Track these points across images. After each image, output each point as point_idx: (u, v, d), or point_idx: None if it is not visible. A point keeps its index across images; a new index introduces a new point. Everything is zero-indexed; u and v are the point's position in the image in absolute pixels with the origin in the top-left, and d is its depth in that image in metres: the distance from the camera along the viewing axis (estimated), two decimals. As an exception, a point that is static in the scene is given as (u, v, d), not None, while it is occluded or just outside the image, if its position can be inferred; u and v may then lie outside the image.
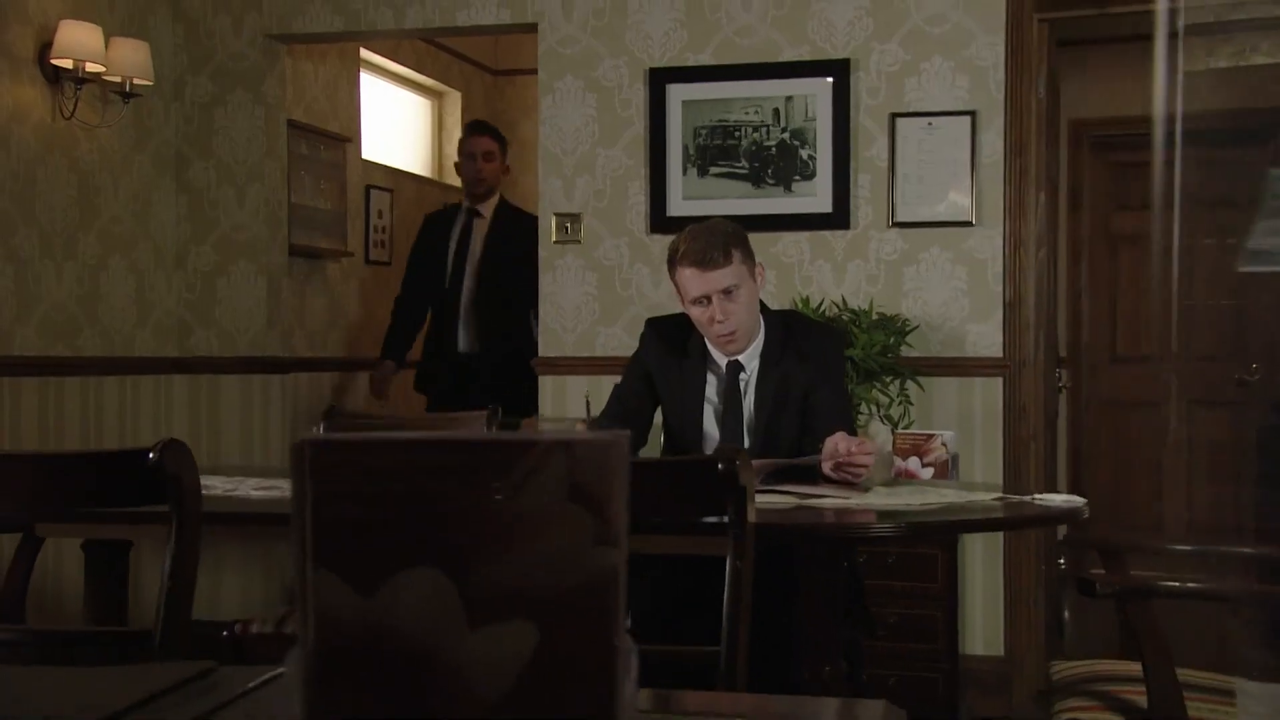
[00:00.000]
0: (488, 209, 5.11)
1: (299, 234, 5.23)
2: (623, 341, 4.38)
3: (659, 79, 4.33)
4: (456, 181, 7.07)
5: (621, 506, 0.82)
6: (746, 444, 2.84)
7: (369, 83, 6.23)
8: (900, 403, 3.95)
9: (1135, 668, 2.34)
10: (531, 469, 0.78)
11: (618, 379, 4.36)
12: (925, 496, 2.35)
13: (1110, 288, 6.55)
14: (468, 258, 5.02)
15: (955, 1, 4.10)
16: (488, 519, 0.79)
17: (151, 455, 2.08)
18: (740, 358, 2.85)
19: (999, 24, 4.07)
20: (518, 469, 0.78)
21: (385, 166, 6.36)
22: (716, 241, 2.76)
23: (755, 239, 2.94)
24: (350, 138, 5.85)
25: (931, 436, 3.72)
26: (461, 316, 5.02)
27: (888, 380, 4.00)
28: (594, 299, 4.42)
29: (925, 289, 4.12)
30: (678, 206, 4.31)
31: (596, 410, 3.30)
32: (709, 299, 2.75)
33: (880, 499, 2.34)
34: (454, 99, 7.12)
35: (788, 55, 4.23)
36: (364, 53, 6.07)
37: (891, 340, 3.96)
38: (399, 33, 4.86)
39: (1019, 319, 4.10)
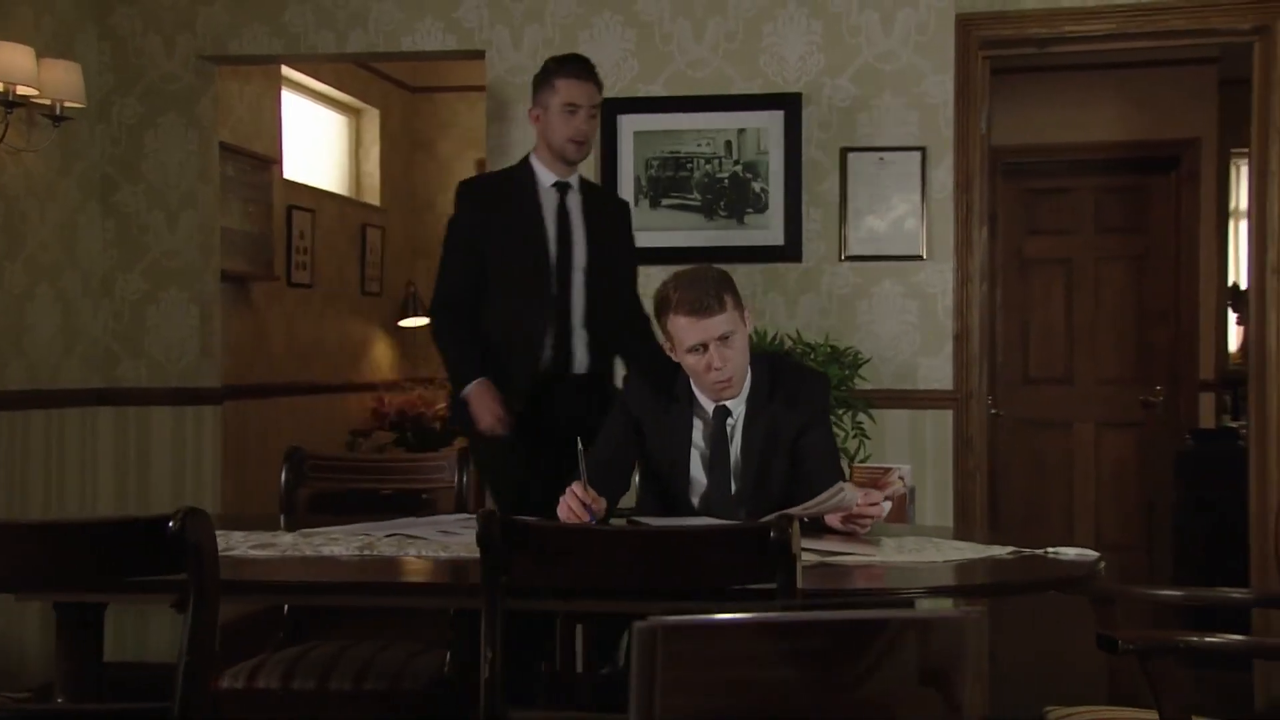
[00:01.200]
0: (575, 181, 3.68)
1: (226, 259, 5.08)
2: (574, 373, 4.34)
3: (611, 109, 4.30)
4: (376, 200, 6.98)
5: (974, 687, 0.80)
6: (734, 489, 2.85)
7: (288, 100, 6.09)
8: (856, 436, 4.00)
9: (1132, 714, 2.40)
10: (883, 651, 0.76)
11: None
12: (941, 551, 2.38)
13: (1022, 311, 6.73)
14: (573, 248, 3.59)
15: (905, 39, 4.17)
16: (836, 705, 0.76)
17: (172, 524, 2.00)
18: (728, 403, 2.85)
19: (948, 62, 4.15)
20: (869, 651, 0.76)
21: (306, 186, 6.22)
22: (709, 288, 2.76)
23: None
24: (275, 158, 5.71)
25: (889, 470, 3.78)
26: (575, 327, 3.58)
27: (841, 413, 4.04)
28: (544, 330, 4.37)
29: (877, 322, 4.18)
30: (630, 238, 4.29)
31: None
32: (705, 347, 2.75)
33: (896, 555, 2.36)
34: (372, 116, 7.00)
35: (740, 88, 4.26)
36: (285, 70, 5.93)
37: (845, 373, 4.01)
38: (341, 57, 4.76)
39: (966, 352, 4.19)
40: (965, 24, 4.22)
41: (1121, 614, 4.48)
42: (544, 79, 3.59)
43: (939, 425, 4.15)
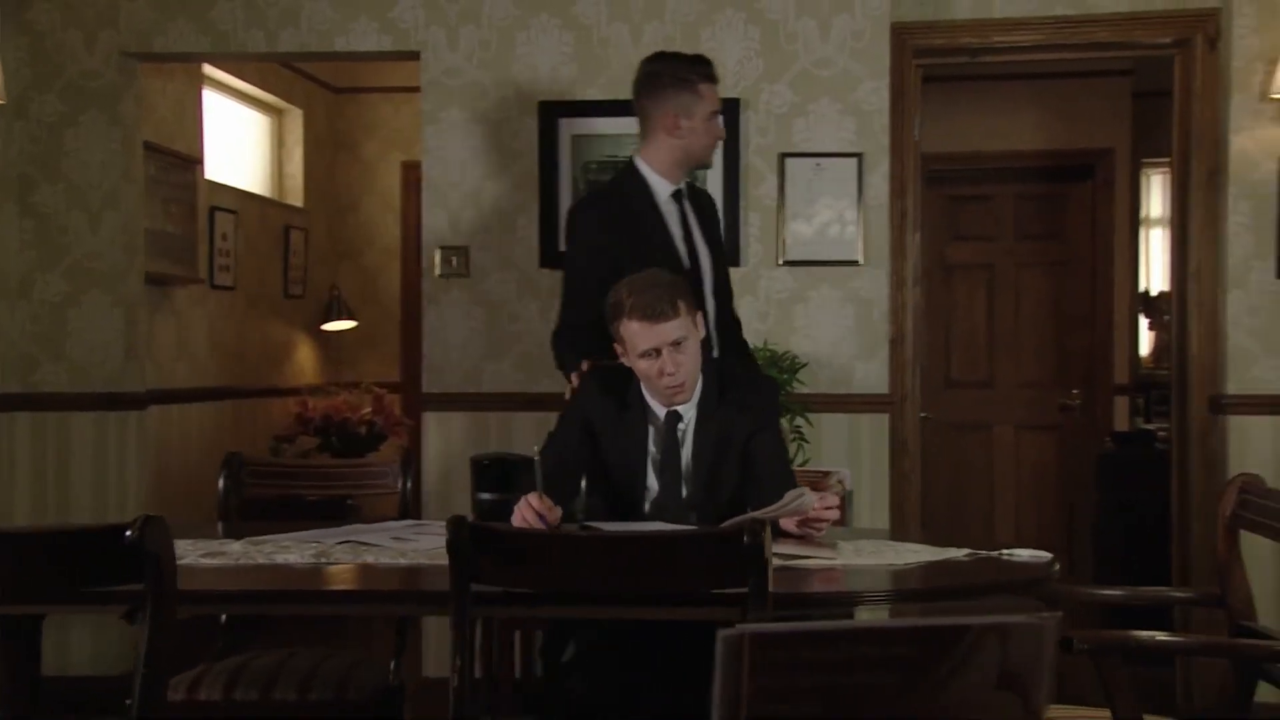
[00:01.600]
0: (684, 186, 3.44)
1: (149, 260, 4.95)
2: (511, 378, 4.32)
3: (549, 112, 4.30)
4: (300, 202, 6.87)
5: (1047, 690, 0.80)
6: (684, 494, 2.85)
7: (209, 99, 5.96)
8: (794, 440, 4.03)
9: (1084, 713, 2.46)
10: (965, 656, 0.76)
11: (505, 417, 4.34)
12: (900, 554, 2.40)
13: (945, 315, 6.84)
14: (700, 259, 3.41)
15: (842, 46, 4.21)
16: (920, 711, 0.76)
17: (130, 533, 1.95)
18: (680, 408, 2.85)
19: (883, 69, 4.21)
20: (952, 657, 0.76)
21: (229, 187, 6.10)
22: (662, 294, 2.76)
23: None
24: (197, 158, 5.59)
25: (828, 474, 3.80)
26: (712, 339, 3.37)
27: (780, 418, 4.06)
28: (481, 335, 4.35)
29: (814, 327, 4.22)
30: (568, 242, 4.27)
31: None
32: (658, 351, 2.74)
33: (856, 558, 2.38)
34: (295, 117, 6.89)
35: (678, 93, 4.26)
36: (206, 68, 5.81)
37: (784, 378, 4.04)
38: (272, 56, 4.68)
39: (901, 356, 4.24)
40: (900, 33, 4.28)
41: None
42: (681, 83, 3.29)
43: (875, 429, 4.20)
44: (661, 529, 2.50)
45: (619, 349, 2.85)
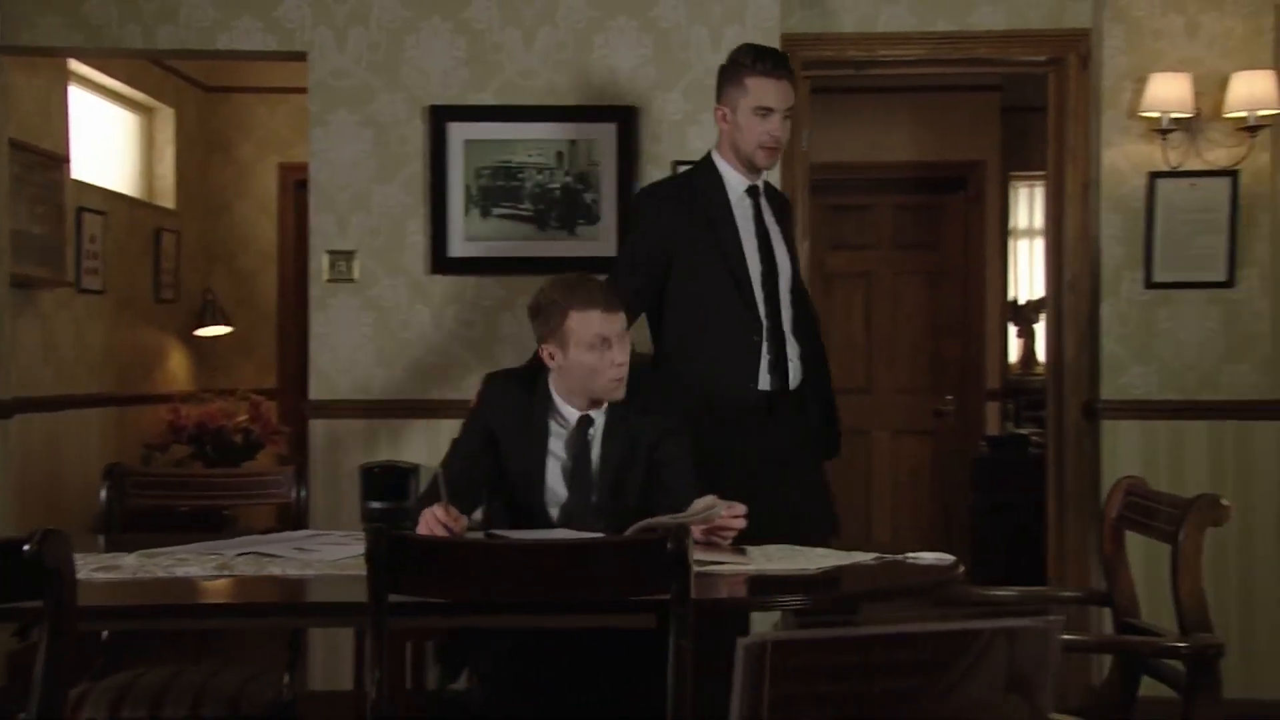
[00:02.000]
0: (761, 184, 3.34)
1: (13, 263, 4.75)
2: (402, 385, 4.26)
3: (439, 116, 4.25)
4: (171, 203, 6.66)
5: (1051, 693, 0.82)
6: (593, 499, 2.84)
7: (75, 96, 5.73)
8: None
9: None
10: (977, 659, 0.77)
11: (395, 425, 4.28)
12: (809, 559, 2.43)
13: (825, 323, 6.95)
14: (776, 259, 3.28)
15: (733, 57, 4.25)
16: (934, 713, 0.77)
17: (28, 546, 1.86)
18: (591, 411, 2.85)
19: (774, 81, 4.25)
20: (964, 660, 0.77)
21: (97, 187, 5.88)
22: (609, 289, 2.84)
23: (538, 282, 2.93)
24: (64, 157, 5.38)
25: (722, 478, 3.84)
26: (789, 342, 3.27)
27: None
28: (370, 341, 4.28)
29: (707, 333, 4.24)
30: (459, 247, 4.24)
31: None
32: (610, 342, 2.74)
33: (769, 564, 2.40)
34: (166, 116, 6.68)
35: (571, 99, 4.26)
36: (73, 64, 5.59)
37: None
38: (149, 53, 4.54)
39: (792, 362, 4.30)
40: (789, 44, 4.34)
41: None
42: (733, 74, 3.21)
43: (766, 434, 4.24)
44: (573, 537, 2.49)
45: (550, 351, 2.81)
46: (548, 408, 2.86)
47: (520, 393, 2.88)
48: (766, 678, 0.72)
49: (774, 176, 4.20)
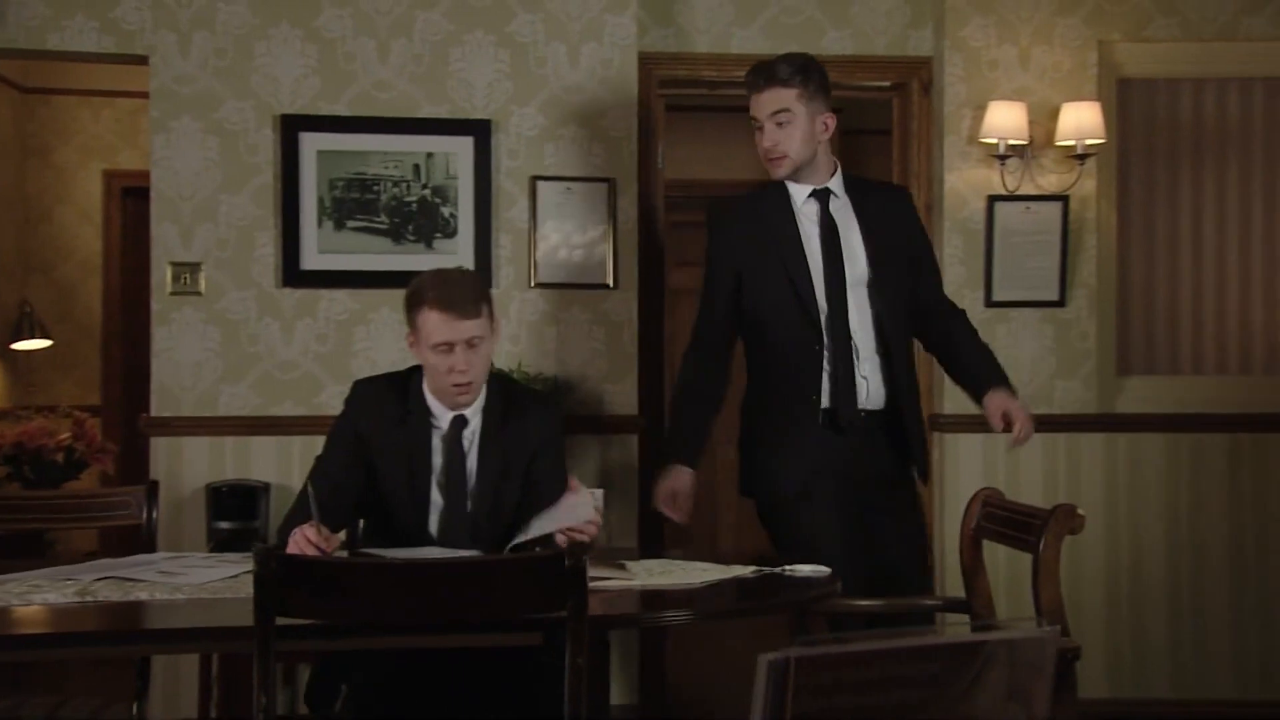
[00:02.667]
0: (837, 188, 3.20)
1: None
2: (250, 401, 4.13)
3: (291, 126, 4.14)
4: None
5: (1047, 702, 0.83)
6: (469, 508, 2.80)
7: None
8: (547, 461, 4.04)
9: None
10: (982, 670, 0.78)
11: (243, 442, 4.14)
12: (689, 573, 2.44)
13: (669, 339, 7.02)
14: (844, 261, 3.12)
15: (591, 73, 4.28)
16: None
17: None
18: (465, 412, 2.80)
19: (631, 97, 4.29)
20: (970, 671, 0.78)
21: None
22: (468, 292, 2.75)
23: (394, 296, 2.94)
24: None
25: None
26: (861, 356, 3.13)
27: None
28: (216, 355, 4.13)
29: (566, 349, 4.24)
30: (313, 260, 4.14)
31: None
32: (452, 347, 2.70)
33: (651, 579, 2.41)
34: (-21, 117, 6.32)
35: (427, 112, 4.21)
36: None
37: (536, 399, 4.04)
38: (-26, 50, 4.27)
39: (650, 378, 4.33)
40: (646, 63, 4.39)
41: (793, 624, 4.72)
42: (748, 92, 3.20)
43: (624, 450, 4.27)
44: (465, 556, 2.46)
45: (411, 340, 2.78)
46: (422, 409, 2.81)
47: (392, 395, 2.83)
48: (789, 693, 0.72)
49: (628, 191, 4.25)
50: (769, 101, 3.12)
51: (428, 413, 2.80)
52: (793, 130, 3.11)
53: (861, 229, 3.16)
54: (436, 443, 2.79)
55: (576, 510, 2.55)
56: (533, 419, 2.85)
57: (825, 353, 3.07)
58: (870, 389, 3.12)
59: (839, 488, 3.05)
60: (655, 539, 4.24)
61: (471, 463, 2.79)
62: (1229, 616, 4.49)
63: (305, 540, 2.45)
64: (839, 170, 3.22)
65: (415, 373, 2.84)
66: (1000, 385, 3.14)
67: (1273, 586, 4.51)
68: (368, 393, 2.85)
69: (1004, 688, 0.79)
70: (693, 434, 3.26)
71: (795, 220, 3.14)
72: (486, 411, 2.82)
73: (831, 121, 3.19)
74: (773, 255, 3.12)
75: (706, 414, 3.28)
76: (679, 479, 3.19)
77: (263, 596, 1.83)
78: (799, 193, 3.18)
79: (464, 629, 1.96)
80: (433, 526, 2.77)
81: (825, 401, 3.08)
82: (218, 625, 2.02)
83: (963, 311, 3.36)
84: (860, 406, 3.08)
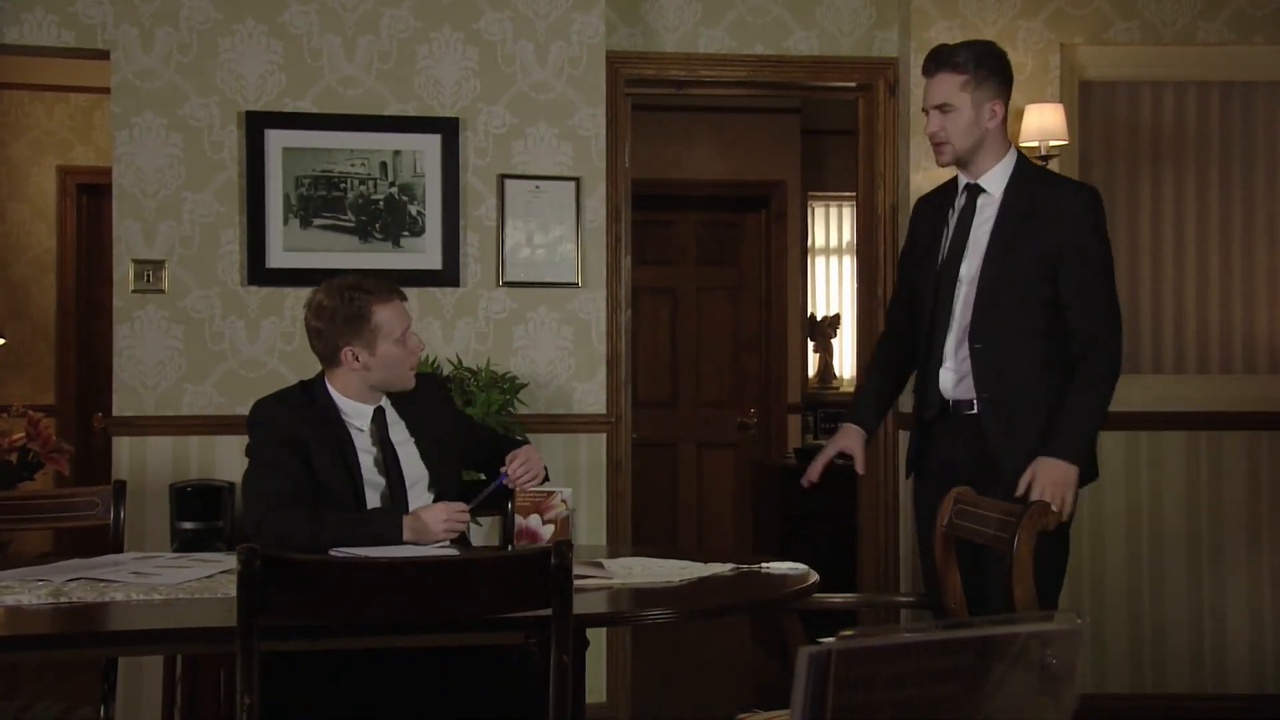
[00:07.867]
0: (994, 182, 3.15)
1: None
2: (214, 400, 4.08)
3: (256, 123, 4.10)
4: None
5: (1075, 695, 0.84)
6: (407, 488, 2.89)
7: None
8: (516, 460, 4.02)
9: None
10: (1014, 662, 0.78)
11: (207, 442, 4.09)
12: (668, 571, 2.44)
13: (633, 337, 7.02)
14: (962, 256, 3.14)
15: (559, 72, 4.27)
16: (977, 716, 0.78)
17: None
18: (381, 403, 2.91)
19: (599, 97, 4.29)
20: (1004, 663, 0.78)
21: None
22: (384, 280, 2.98)
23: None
24: None
25: (552, 494, 3.81)
26: (948, 349, 3.13)
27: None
28: (180, 354, 4.08)
29: (533, 347, 4.23)
30: (279, 258, 4.10)
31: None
32: (408, 329, 2.89)
33: (631, 577, 2.41)
34: (-71, 112, 6.21)
35: (394, 109, 4.18)
36: None
37: (505, 398, 4.03)
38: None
39: (616, 377, 4.33)
40: (613, 62, 4.39)
41: (760, 623, 4.74)
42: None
43: (593, 448, 4.26)
44: (454, 554, 2.46)
45: (354, 352, 2.84)
46: (334, 411, 2.86)
47: (301, 405, 2.86)
48: (830, 687, 0.73)
49: (595, 190, 4.24)
50: (934, 90, 3.17)
51: (340, 413, 2.86)
52: (956, 118, 3.14)
53: (995, 225, 3.11)
54: (360, 441, 2.85)
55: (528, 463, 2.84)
56: (423, 393, 2.96)
57: (923, 345, 3.19)
58: (940, 385, 3.14)
59: (931, 475, 3.18)
60: (618, 537, 4.25)
61: (410, 449, 2.89)
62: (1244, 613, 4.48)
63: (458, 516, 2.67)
64: (1009, 159, 3.16)
65: (315, 382, 2.91)
66: (1049, 453, 3.03)
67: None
68: (277, 408, 2.86)
69: (1035, 680, 0.80)
70: (863, 401, 3.40)
71: (948, 212, 3.21)
72: (392, 398, 2.93)
73: (1000, 109, 3.16)
74: (928, 246, 3.24)
75: (882, 385, 3.40)
76: (844, 436, 3.31)
77: (246, 597, 1.81)
78: (961, 183, 3.23)
79: (449, 628, 1.95)
80: (379, 500, 2.84)
81: (931, 394, 3.18)
82: (200, 626, 1.99)
83: (1095, 356, 3.06)
84: (948, 397, 3.13)
